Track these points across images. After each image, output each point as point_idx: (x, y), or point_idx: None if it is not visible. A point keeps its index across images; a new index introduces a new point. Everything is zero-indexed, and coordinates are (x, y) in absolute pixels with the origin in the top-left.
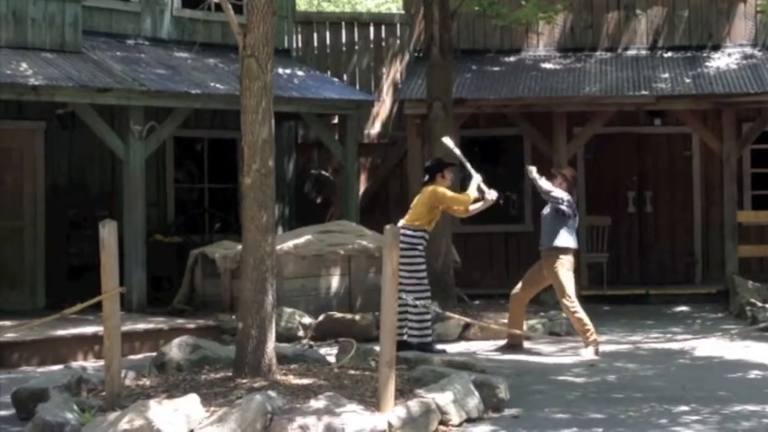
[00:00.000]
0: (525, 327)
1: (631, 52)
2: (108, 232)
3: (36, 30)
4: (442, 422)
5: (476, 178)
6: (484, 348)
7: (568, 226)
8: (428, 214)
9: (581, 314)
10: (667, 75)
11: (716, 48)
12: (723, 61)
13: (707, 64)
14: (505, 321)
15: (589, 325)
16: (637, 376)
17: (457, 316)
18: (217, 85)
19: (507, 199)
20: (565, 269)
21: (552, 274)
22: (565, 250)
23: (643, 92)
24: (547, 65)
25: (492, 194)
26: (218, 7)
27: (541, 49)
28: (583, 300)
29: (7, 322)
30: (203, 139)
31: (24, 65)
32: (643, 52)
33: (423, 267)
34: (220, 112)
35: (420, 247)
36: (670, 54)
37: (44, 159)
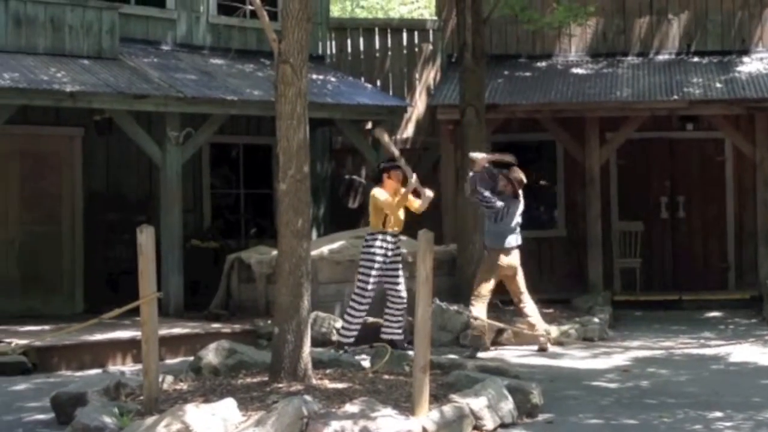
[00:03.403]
0: (557, 332)
1: (663, 57)
2: (146, 237)
3: (74, 37)
4: (476, 427)
5: (413, 179)
6: (517, 353)
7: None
8: (375, 216)
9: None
10: (699, 80)
11: (748, 52)
12: (755, 65)
13: (739, 68)
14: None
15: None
16: (671, 381)
17: (490, 321)
18: (253, 92)
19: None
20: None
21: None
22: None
23: (675, 97)
24: (579, 70)
25: (428, 192)
26: (253, 14)
27: (573, 54)
28: (616, 305)
29: (46, 327)
30: (239, 144)
31: (62, 72)
32: (675, 57)
33: (369, 272)
34: (256, 118)
35: (371, 250)
36: (702, 59)
37: (82, 165)
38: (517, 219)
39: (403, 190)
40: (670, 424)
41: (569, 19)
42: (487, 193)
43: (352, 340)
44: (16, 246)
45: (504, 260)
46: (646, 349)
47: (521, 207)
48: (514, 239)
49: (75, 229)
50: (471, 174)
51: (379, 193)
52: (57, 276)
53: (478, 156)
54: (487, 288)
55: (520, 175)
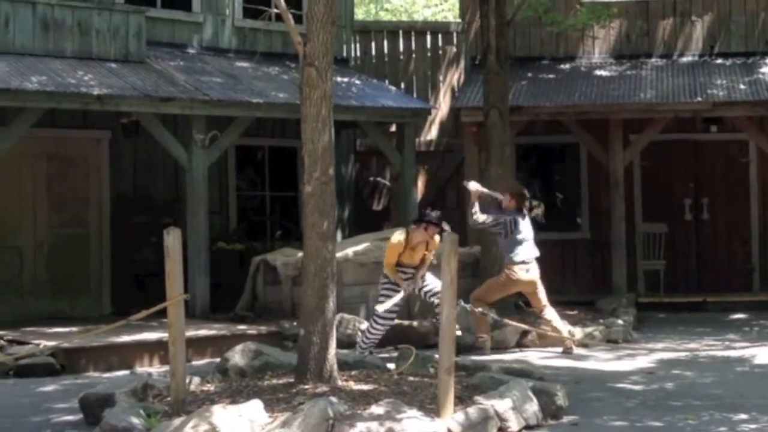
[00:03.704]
0: (582, 334)
1: (687, 59)
2: (172, 239)
3: (101, 41)
4: (501, 429)
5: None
6: (542, 355)
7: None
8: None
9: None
10: (723, 81)
11: None
12: None
13: (763, 69)
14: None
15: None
16: (696, 383)
17: (514, 323)
18: (278, 94)
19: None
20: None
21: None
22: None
23: (699, 99)
24: (603, 72)
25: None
26: (278, 17)
27: (597, 56)
28: (640, 307)
29: (74, 328)
30: (264, 147)
31: (89, 75)
32: (699, 59)
33: (387, 299)
34: (281, 121)
35: (387, 284)
36: (725, 60)
37: (109, 168)
38: (528, 232)
39: (436, 239)
40: (695, 426)
41: (592, 21)
42: (488, 219)
43: (371, 347)
44: (44, 248)
45: (523, 276)
46: (670, 351)
47: (528, 219)
48: (526, 252)
49: (102, 232)
50: (472, 204)
51: (392, 240)
52: (85, 278)
53: (472, 187)
54: (491, 298)
55: (520, 188)
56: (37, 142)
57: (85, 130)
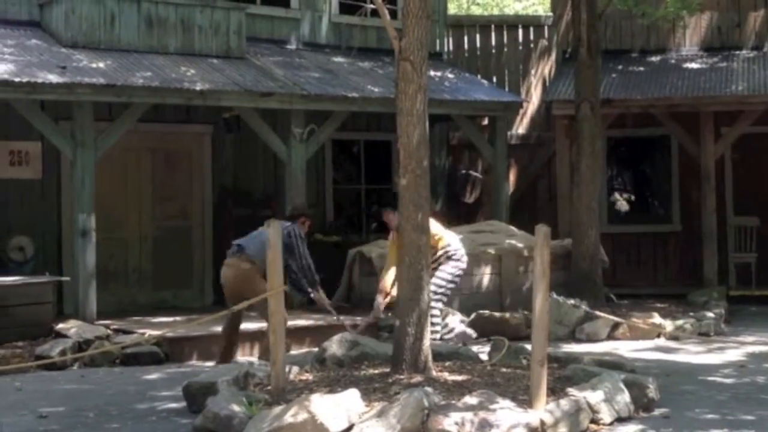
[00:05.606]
0: (672, 327)
1: None
2: (273, 231)
3: (203, 37)
4: (593, 421)
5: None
6: (632, 348)
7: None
8: None
9: None
10: None
11: None
12: None
13: None
14: (653, 321)
15: None
16: None
17: (605, 315)
18: (373, 89)
19: None
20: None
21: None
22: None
23: None
24: (693, 65)
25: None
26: (374, 13)
27: (687, 48)
28: (732, 300)
29: (178, 318)
30: (359, 141)
31: (192, 71)
32: None
33: None
34: (376, 115)
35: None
36: None
37: (211, 161)
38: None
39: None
40: None
41: (682, 11)
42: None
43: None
44: (149, 240)
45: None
46: (761, 345)
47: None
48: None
49: (204, 224)
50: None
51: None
52: (188, 269)
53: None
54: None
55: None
56: (142, 136)
57: (188, 125)
